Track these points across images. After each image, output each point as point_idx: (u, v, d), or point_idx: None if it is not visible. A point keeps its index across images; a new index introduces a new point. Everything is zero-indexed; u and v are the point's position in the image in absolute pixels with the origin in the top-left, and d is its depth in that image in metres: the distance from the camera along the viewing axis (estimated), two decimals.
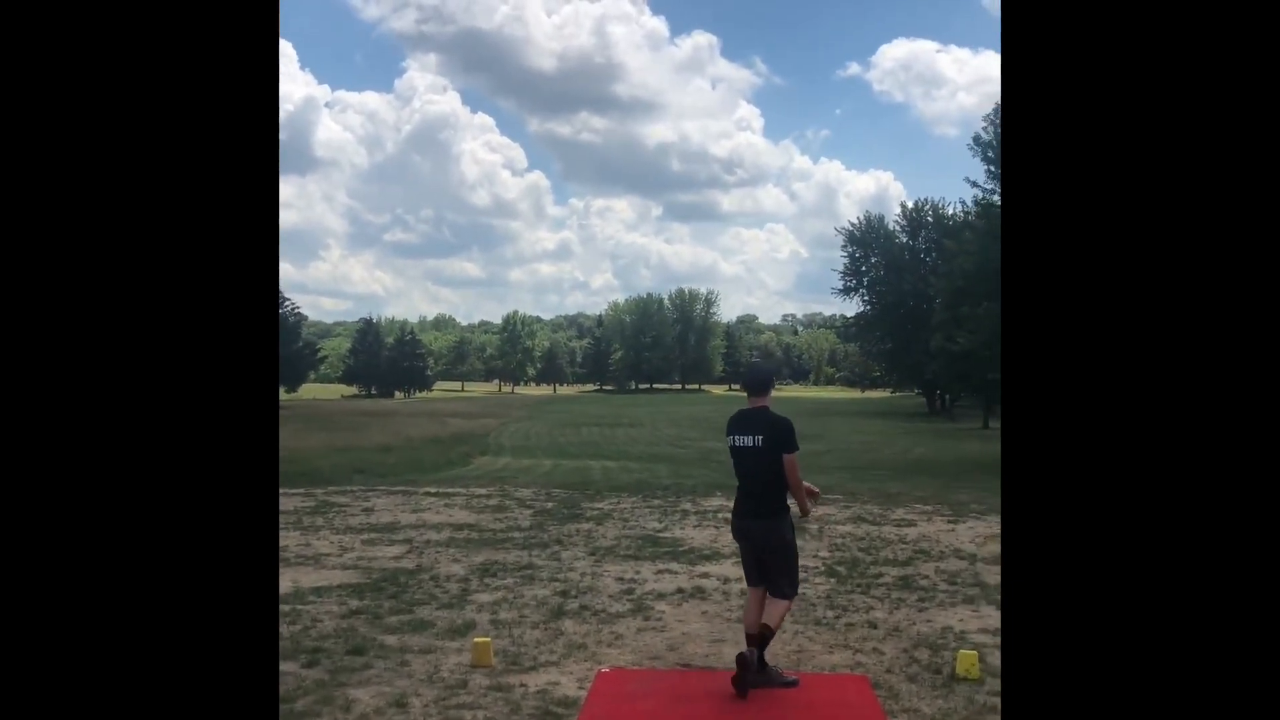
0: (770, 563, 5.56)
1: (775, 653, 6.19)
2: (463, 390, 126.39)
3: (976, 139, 32.39)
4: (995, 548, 10.32)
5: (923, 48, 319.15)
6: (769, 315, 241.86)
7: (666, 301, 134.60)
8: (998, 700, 5.21)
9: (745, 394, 5.73)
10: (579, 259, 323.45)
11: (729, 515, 6.13)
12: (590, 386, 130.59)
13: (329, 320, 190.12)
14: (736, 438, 5.58)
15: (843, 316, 75.26)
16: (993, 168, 31.74)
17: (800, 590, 7.98)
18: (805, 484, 5.58)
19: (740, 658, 5.27)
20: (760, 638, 5.41)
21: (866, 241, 65.98)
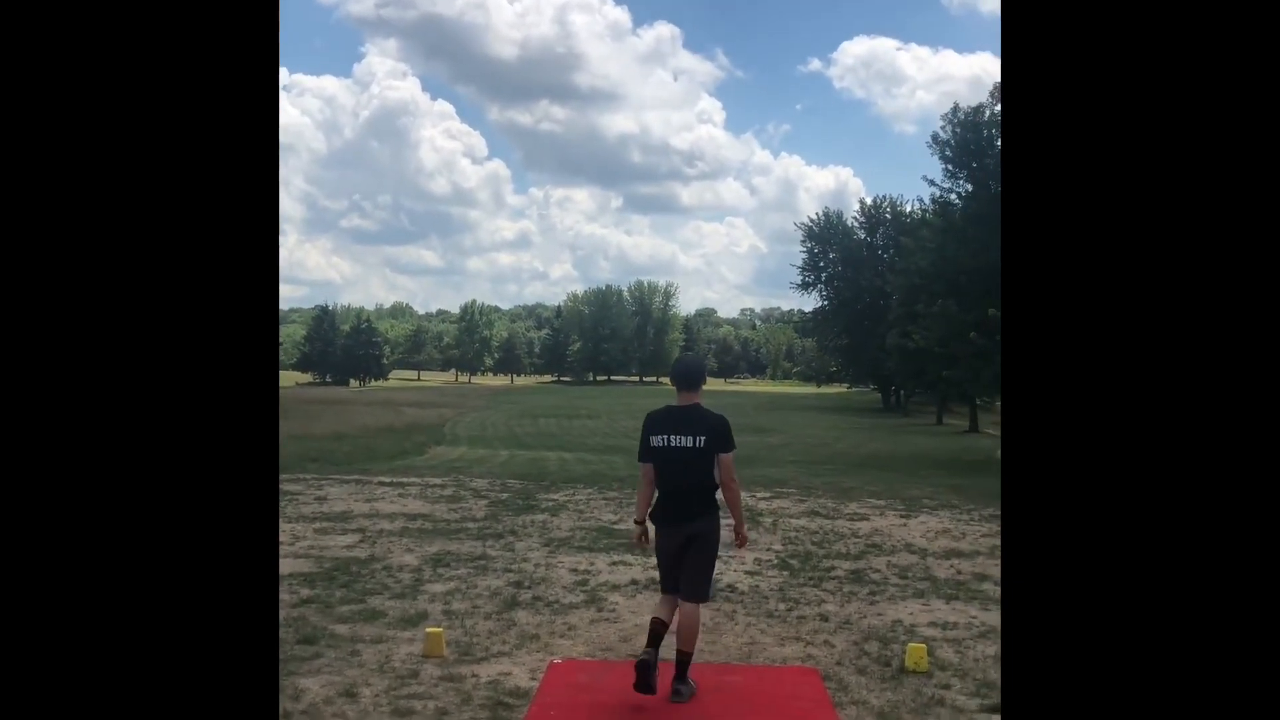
0: (693, 555, 5.02)
1: (727, 645, 6.23)
2: (419, 379, 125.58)
3: (935, 137, 32.71)
4: (946, 542, 10.46)
5: (883, 45, 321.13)
6: (728, 309, 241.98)
7: (625, 293, 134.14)
8: (945, 693, 5.29)
9: (675, 389, 5.22)
10: (538, 249, 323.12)
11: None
12: (548, 378, 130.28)
13: (284, 306, 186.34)
14: (671, 438, 4.99)
15: (801, 312, 75.79)
16: (950, 166, 32.11)
17: (753, 583, 8.08)
18: (740, 530, 5.12)
19: (641, 664, 4.83)
20: (680, 664, 5.00)
21: (825, 237, 66.44)
